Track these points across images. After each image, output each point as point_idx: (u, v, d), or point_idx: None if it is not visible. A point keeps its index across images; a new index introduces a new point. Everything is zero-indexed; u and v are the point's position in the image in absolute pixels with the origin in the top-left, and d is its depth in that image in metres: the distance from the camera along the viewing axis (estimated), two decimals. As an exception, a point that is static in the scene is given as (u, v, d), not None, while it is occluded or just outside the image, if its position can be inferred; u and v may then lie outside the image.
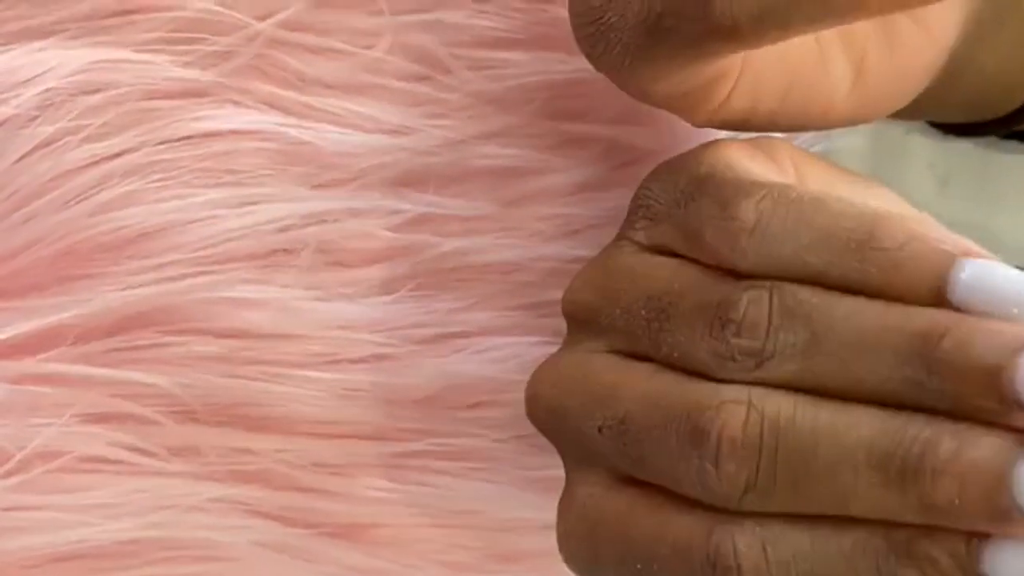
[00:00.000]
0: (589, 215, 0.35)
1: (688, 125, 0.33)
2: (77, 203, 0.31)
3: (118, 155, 0.31)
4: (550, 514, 0.32)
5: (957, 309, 0.25)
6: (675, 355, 0.27)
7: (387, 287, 0.33)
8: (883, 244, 0.25)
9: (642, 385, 0.27)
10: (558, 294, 0.34)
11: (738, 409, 0.26)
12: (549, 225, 0.35)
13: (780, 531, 0.26)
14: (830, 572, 0.26)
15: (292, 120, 0.32)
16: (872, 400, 0.25)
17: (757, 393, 0.26)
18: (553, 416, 0.29)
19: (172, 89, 0.31)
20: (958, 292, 0.25)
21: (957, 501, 0.24)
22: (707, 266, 0.28)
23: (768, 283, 0.26)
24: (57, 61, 0.30)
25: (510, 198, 0.34)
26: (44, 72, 0.30)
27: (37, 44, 0.30)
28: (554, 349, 0.35)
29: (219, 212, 0.32)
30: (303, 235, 0.32)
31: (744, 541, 0.26)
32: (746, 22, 0.25)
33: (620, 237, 0.30)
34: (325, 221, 0.33)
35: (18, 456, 0.30)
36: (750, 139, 0.31)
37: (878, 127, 0.39)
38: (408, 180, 0.33)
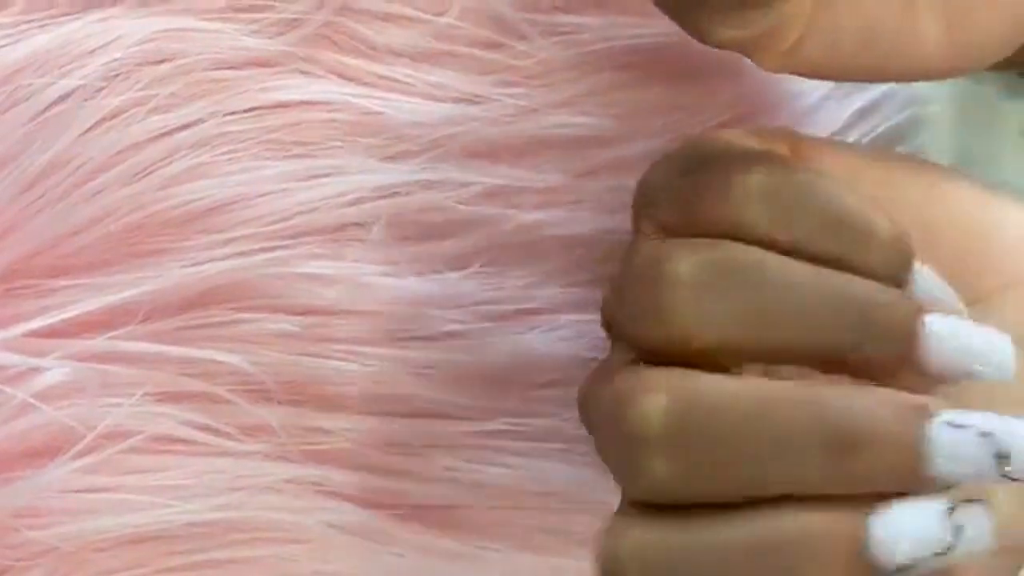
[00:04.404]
0: (665, 186, 0.34)
1: (766, 96, 0.32)
2: (144, 176, 0.30)
3: (186, 127, 0.30)
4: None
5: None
6: None
7: (458, 262, 0.33)
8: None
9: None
10: (634, 268, 0.33)
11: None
12: (624, 197, 0.34)
13: None
14: None
15: (362, 90, 0.32)
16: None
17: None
18: None
19: (240, 59, 0.31)
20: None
21: None
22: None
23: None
24: (123, 31, 0.30)
25: (584, 169, 0.33)
26: (110, 42, 0.30)
27: (102, 13, 0.30)
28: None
29: (289, 185, 0.31)
30: (374, 208, 0.32)
31: None
32: None
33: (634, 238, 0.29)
34: (396, 194, 0.32)
35: (89, 437, 0.30)
36: (754, 128, 0.30)
37: (966, 92, 0.38)
38: (480, 151, 0.33)
